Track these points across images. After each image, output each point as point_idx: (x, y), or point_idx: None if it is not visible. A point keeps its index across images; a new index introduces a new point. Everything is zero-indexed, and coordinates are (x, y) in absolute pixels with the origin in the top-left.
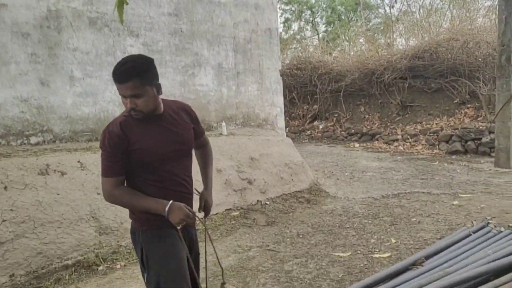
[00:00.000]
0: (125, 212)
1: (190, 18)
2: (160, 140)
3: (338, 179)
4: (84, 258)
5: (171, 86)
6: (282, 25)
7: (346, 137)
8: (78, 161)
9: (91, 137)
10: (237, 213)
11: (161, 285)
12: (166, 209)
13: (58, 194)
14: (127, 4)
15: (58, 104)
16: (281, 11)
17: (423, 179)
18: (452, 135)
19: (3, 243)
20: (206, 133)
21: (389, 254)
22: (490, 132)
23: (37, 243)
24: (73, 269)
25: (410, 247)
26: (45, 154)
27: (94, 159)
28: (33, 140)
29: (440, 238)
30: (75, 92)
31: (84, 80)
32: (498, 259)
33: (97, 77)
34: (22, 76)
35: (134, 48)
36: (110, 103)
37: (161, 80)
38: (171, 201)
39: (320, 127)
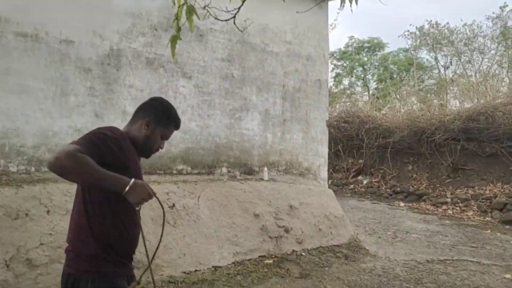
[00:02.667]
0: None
1: (242, 64)
2: (140, 174)
3: (379, 237)
4: None
5: (217, 128)
6: (332, 79)
7: (390, 195)
8: None
9: None
10: (270, 261)
11: None
12: (128, 186)
13: None
14: (180, 39)
15: None
16: (332, 65)
17: (472, 247)
18: (506, 203)
19: (37, 266)
20: (248, 176)
21: None
22: None
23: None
24: None
25: None
26: None
27: None
28: None
29: None
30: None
31: None
32: None
33: None
34: (79, 107)
35: (185, 88)
36: None
37: (208, 121)
38: (133, 179)
39: (364, 182)
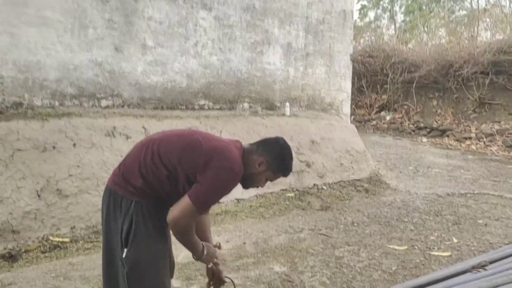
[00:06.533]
0: None
1: None
2: None
3: (400, 172)
4: None
5: (238, 62)
6: (358, 12)
7: (413, 131)
8: (143, 127)
9: (157, 105)
10: (292, 194)
11: (142, 265)
12: (205, 252)
13: (121, 156)
14: None
15: (129, 70)
16: None
17: (495, 181)
18: None
19: (67, 196)
20: (269, 112)
21: (449, 253)
22: None
23: (99, 200)
24: None
25: (473, 249)
26: (113, 117)
27: (158, 126)
28: (104, 103)
29: (508, 244)
30: (146, 60)
31: (156, 49)
32: None
33: (168, 47)
34: (99, 40)
35: (205, 21)
36: (178, 73)
37: (229, 55)
38: (205, 250)
39: (387, 118)
